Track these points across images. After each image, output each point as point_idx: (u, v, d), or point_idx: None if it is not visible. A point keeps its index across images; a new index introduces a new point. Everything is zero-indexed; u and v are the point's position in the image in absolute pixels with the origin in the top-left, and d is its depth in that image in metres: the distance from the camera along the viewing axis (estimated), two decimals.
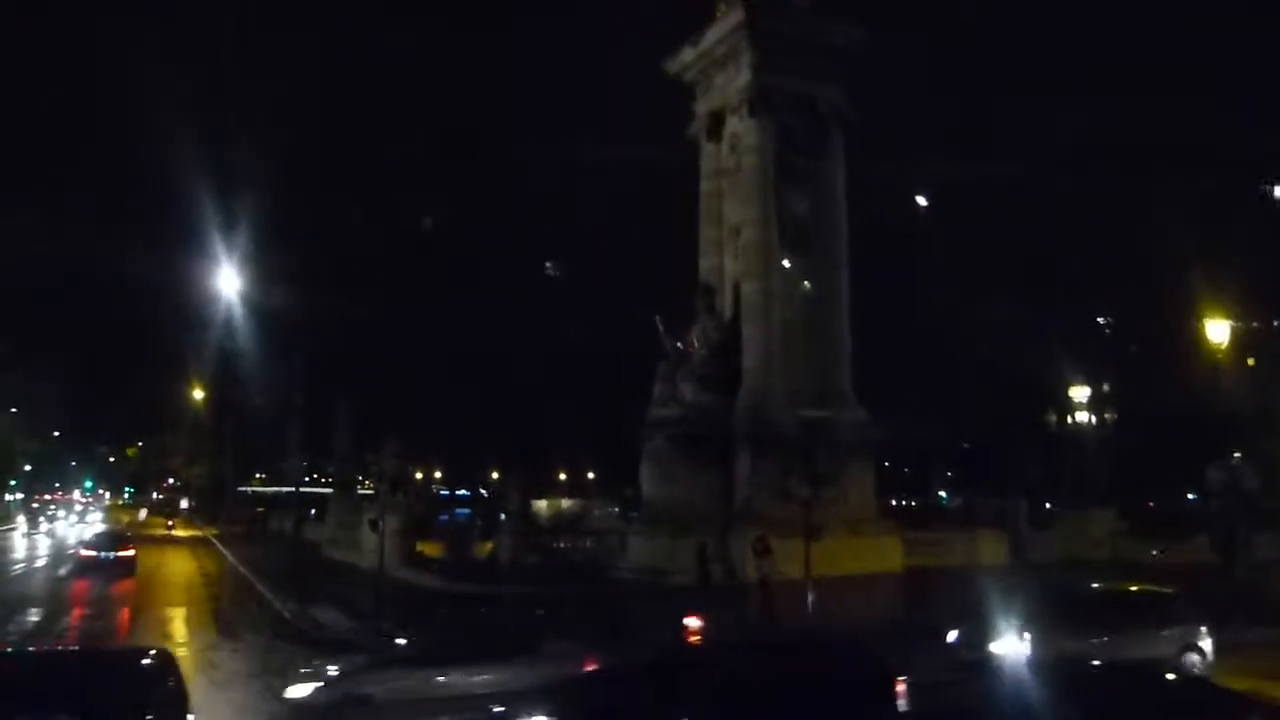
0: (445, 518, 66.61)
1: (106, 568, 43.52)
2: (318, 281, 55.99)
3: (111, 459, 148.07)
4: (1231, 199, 55.58)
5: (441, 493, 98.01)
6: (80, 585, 41.01)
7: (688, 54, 44.68)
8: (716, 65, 44.09)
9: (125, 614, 31.97)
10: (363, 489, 66.43)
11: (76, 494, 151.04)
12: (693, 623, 22.27)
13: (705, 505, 39.19)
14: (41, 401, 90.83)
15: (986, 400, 63.31)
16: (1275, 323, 54.38)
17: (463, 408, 72.56)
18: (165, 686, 11.56)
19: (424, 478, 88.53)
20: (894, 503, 71.67)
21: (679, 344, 42.81)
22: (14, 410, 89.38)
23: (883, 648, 16.10)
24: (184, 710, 11.74)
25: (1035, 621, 19.77)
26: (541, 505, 65.59)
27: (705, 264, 44.90)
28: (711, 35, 43.47)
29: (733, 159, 43.86)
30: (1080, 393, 50.04)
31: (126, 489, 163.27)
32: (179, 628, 29.98)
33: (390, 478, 38.24)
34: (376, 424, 55.07)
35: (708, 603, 31.68)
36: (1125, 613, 21.28)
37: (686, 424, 41.36)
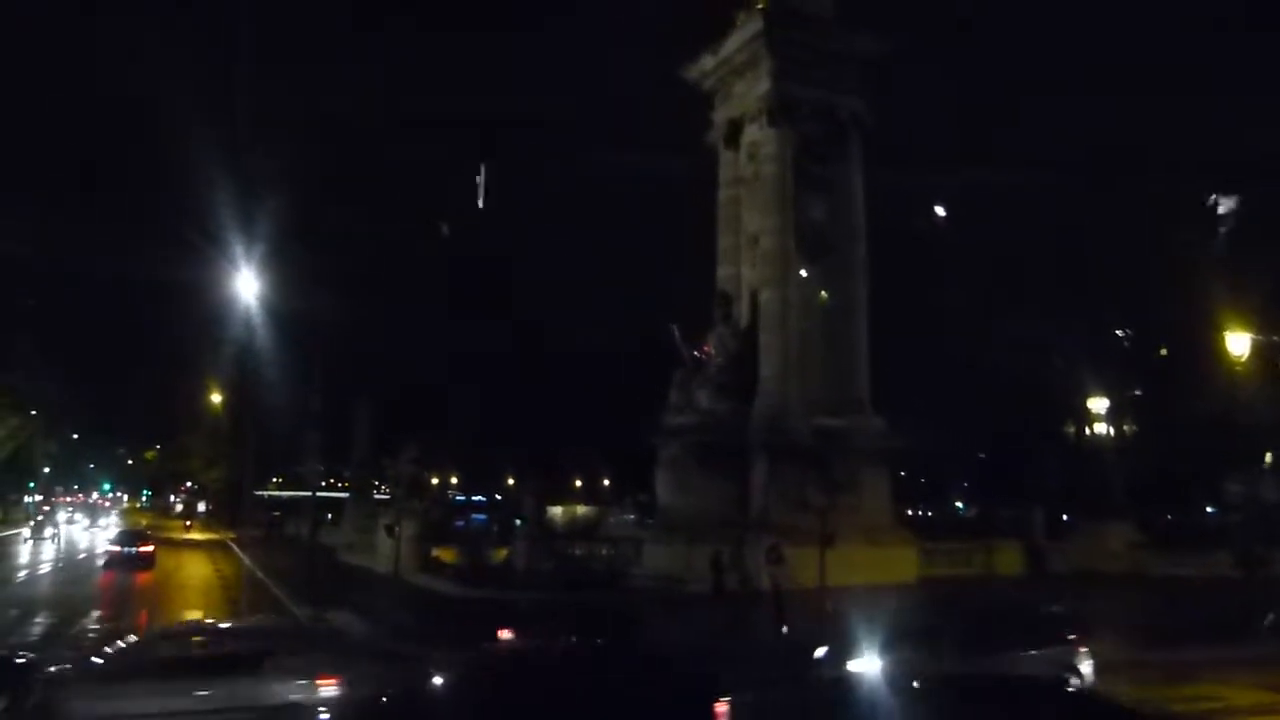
0: (461, 524, 66.76)
1: (130, 561, 49.68)
2: (336, 286, 56.04)
3: (130, 461, 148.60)
4: (1252, 208, 55.34)
5: (457, 499, 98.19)
6: (107, 577, 46.65)
7: (707, 61, 44.73)
8: (735, 73, 44.14)
9: (143, 616, 32.02)
10: (379, 494, 66.61)
11: (95, 496, 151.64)
12: (504, 635, 21.06)
13: (721, 513, 39.14)
14: (61, 404, 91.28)
15: (1004, 410, 63.05)
16: None
17: (480, 414, 72.66)
18: None
19: (440, 483, 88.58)
20: (910, 512, 71.40)
21: (696, 352, 42.84)
22: (34, 412, 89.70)
23: (744, 666, 16.04)
24: None
25: (900, 640, 19.11)
26: (557, 512, 65.75)
27: (723, 272, 44.91)
28: (731, 43, 43.53)
29: (751, 167, 43.88)
30: (1099, 404, 49.74)
31: (144, 491, 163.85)
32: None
33: (407, 483, 38.47)
34: (394, 429, 55.20)
35: (721, 610, 31.80)
36: (999, 632, 19.90)
37: (703, 432, 41.36)
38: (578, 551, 45.07)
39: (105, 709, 15.34)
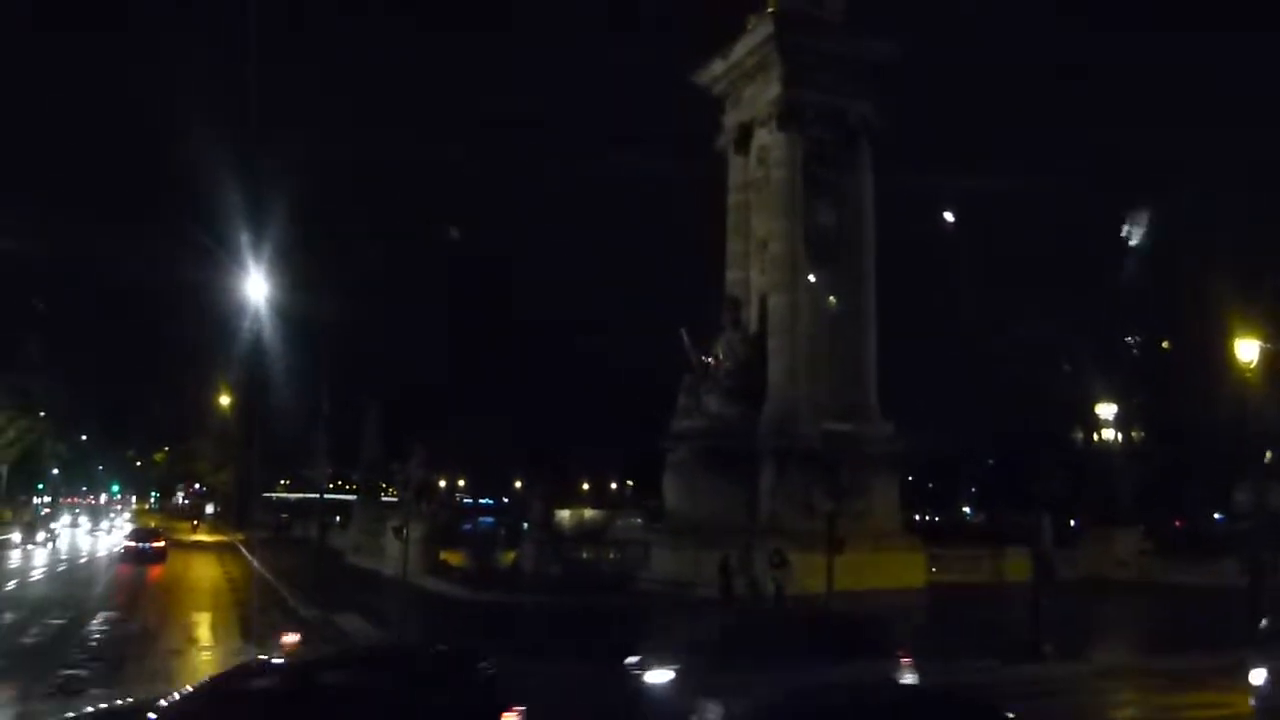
0: (469, 527, 66.82)
1: (144, 554, 54.40)
2: (346, 290, 56.17)
3: (139, 463, 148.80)
4: (1261, 214, 55.21)
5: (465, 502, 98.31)
6: (123, 569, 50.39)
7: (717, 66, 44.78)
8: (746, 78, 44.17)
9: (153, 619, 32.10)
10: (387, 497, 66.68)
11: (103, 497, 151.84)
12: (289, 639, 19.09)
13: (729, 517, 39.16)
14: (70, 406, 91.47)
15: (1012, 416, 62.99)
16: None
17: (488, 417, 72.74)
18: None
19: (448, 486, 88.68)
20: (918, 518, 71.37)
21: (704, 356, 42.84)
22: (43, 414, 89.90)
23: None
24: None
25: (698, 651, 18.45)
26: (565, 515, 65.72)
27: (732, 276, 44.93)
28: (741, 48, 43.56)
29: (761, 171, 43.89)
30: (1107, 410, 49.64)
31: (153, 493, 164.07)
32: (204, 632, 30.12)
33: (415, 486, 38.46)
34: (402, 432, 55.25)
35: (729, 615, 31.80)
36: (814, 643, 18.53)
37: (711, 436, 41.38)
38: (585, 555, 45.10)
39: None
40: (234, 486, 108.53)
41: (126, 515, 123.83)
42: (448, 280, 79.27)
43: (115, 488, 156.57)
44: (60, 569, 51.65)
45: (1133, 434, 54.24)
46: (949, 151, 65.32)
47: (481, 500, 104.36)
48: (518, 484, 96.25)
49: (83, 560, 59.29)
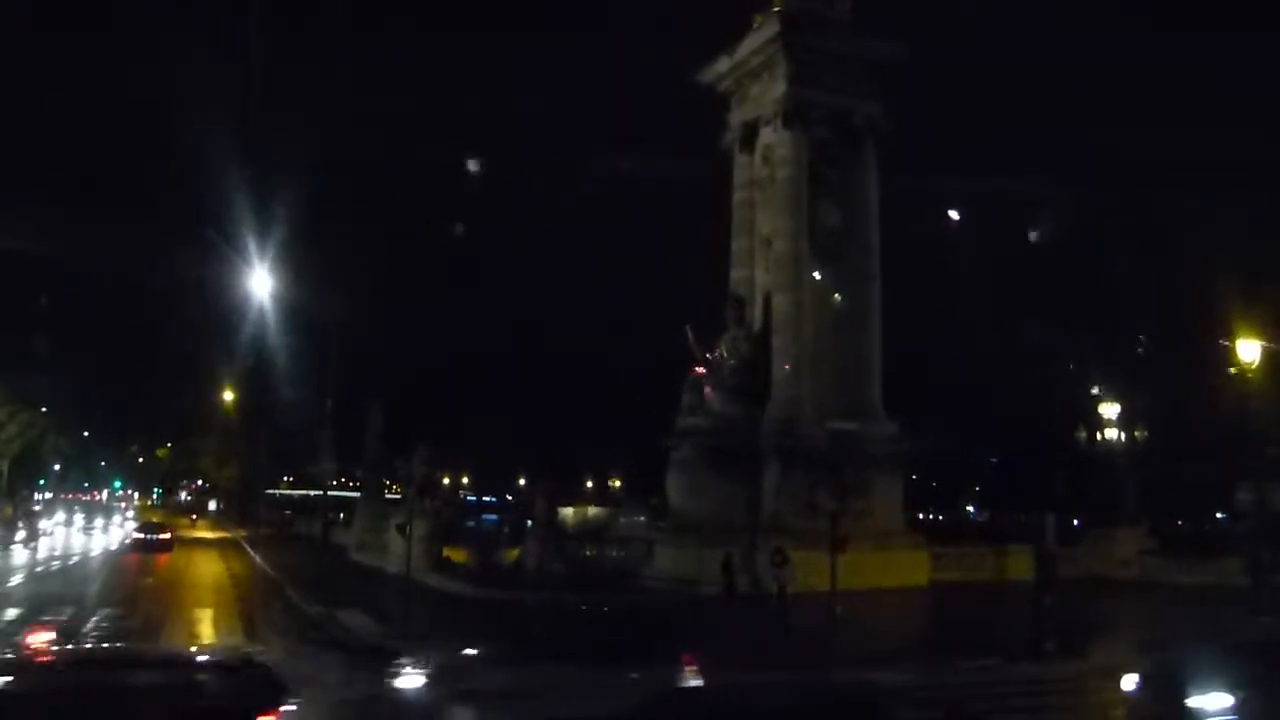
0: (472, 524, 66.84)
1: (152, 545, 60.06)
2: (350, 286, 56.21)
3: (141, 460, 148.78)
4: (1262, 215, 55.18)
5: (469, 499, 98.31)
6: (132, 558, 54.61)
7: (723, 64, 44.82)
8: (751, 76, 44.21)
9: (156, 615, 32.09)
10: (391, 494, 66.70)
11: (105, 494, 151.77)
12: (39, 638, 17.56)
13: (732, 515, 39.22)
14: (73, 401, 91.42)
15: (1015, 415, 62.92)
16: None
17: (492, 414, 72.77)
18: None
19: (452, 484, 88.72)
20: (921, 517, 71.40)
21: (708, 354, 42.87)
22: (44, 410, 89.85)
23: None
24: None
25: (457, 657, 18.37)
26: (568, 513, 65.72)
27: (736, 275, 44.98)
28: (746, 46, 43.62)
29: (766, 170, 43.95)
30: (1110, 409, 49.66)
31: (155, 489, 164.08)
32: (206, 629, 30.13)
33: (419, 483, 38.41)
34: (406, 429, 55.23)
35: (731, 613, 31.89)
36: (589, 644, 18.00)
37: (714, 434, 41.46)
38: (589, 552, 45.13)
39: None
40: (237, 483, 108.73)
41: (130, 512, 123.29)
42: (453, 279, 79.36)
43: (118, 484, 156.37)
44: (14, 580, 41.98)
45: (1135, 434, 54.16)
46: (949, 151, 65.28)
47: (485, 498, 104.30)
48: (521, 481, 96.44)
49: (55, 568, 49.26)
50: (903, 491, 42.82)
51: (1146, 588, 40.46)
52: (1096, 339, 56.84)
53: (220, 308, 62.23)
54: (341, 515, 74.48)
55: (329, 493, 67.06)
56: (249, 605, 35.27)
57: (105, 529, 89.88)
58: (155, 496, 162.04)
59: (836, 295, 42.42)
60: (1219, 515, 64.20)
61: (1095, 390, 50.96)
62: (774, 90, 42.85)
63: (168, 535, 64.80)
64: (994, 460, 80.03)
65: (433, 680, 16.96)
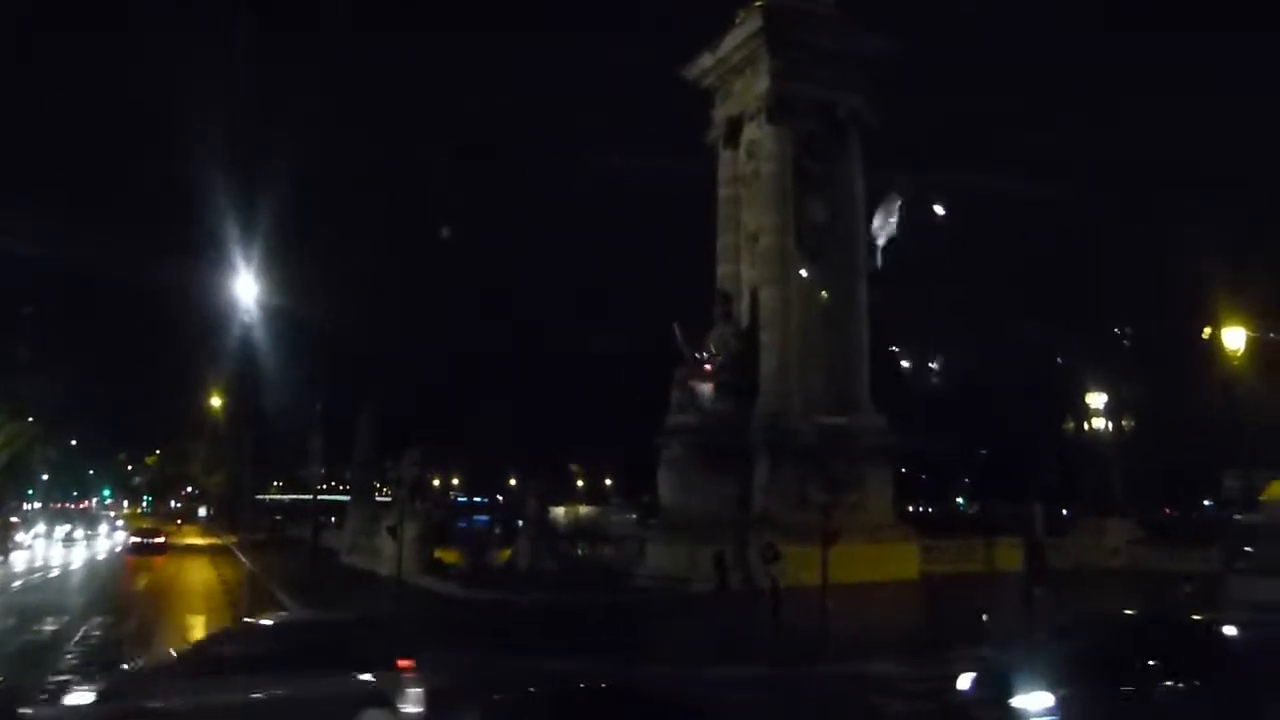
0: (464, 525, 66.76)
1: (148, 547, 65.91)
2: (338, 289, 56.21)
3: (130, 467, 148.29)
4: (1252, 206, 55.44)
5: (460, 500, 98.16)
6: (130, 559, 61.04)
7: (706, 60, 44.81)
8: (735, 71, 44.22)
9: (146, 620, 32.02)
10: (381, 496, 66.63)
11: (94, 502, 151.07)
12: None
13: (723, 512, 39.24)
14: (61, 409, 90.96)
15: (1004, 407, 63.15)
16: None
17: (482, 415, 72.74)
18: None
19: (442, 485, 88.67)
20: (911, 509, 71.61)
21: (697, 351, 42.86)
22: (31, 419, 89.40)
23: None
24: None
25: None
26: (560, 512, 65.68)
27: (723, 271, 45.00)
28: (729, 41, 43.61)
29: (751, 165, 43.96)
30: (1098, 400, 49.78)
31: (145, 497, 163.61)
32: (198, 635, 30.04)
33: (409, 485, 38.35)
34: (396, 431, 55.18)
35: (725, 609, 31.91)
36: (293, 650, 14.88)
37: (704, 431, 41.46)
38: (580, 552, 45.15)
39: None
40: (227, 489, 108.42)
41: (119, 521, 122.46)
42: (442, 279, 79.24)
43: (107, 492, 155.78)
44: None
45: (1123, 423, 54.32)
46: (944, 146, 65.46)
47: (476, 498, 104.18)
48: (512, 482, 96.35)
49: (35, 580, 46.34)
50: (892, 484, 42.84)
51: (1135, 576, 40.57)
52: (1083, 330, 57.07)
53: (208, 312, 62.17)
54: (332, 519, 74.38)
55: (319, 497, 67.00)
56: (240, 611, 35.16)
57: (90, 540, 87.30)
58: (145, 504, 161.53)
59: (823, 290, 42.45)
60: (1206, 503, 64.55)
61: (1083, 381, 51.07)
62: (757, 85, 42.86)
63: (162, 539, 70.55)
64: (984, 452, 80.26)
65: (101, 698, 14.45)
